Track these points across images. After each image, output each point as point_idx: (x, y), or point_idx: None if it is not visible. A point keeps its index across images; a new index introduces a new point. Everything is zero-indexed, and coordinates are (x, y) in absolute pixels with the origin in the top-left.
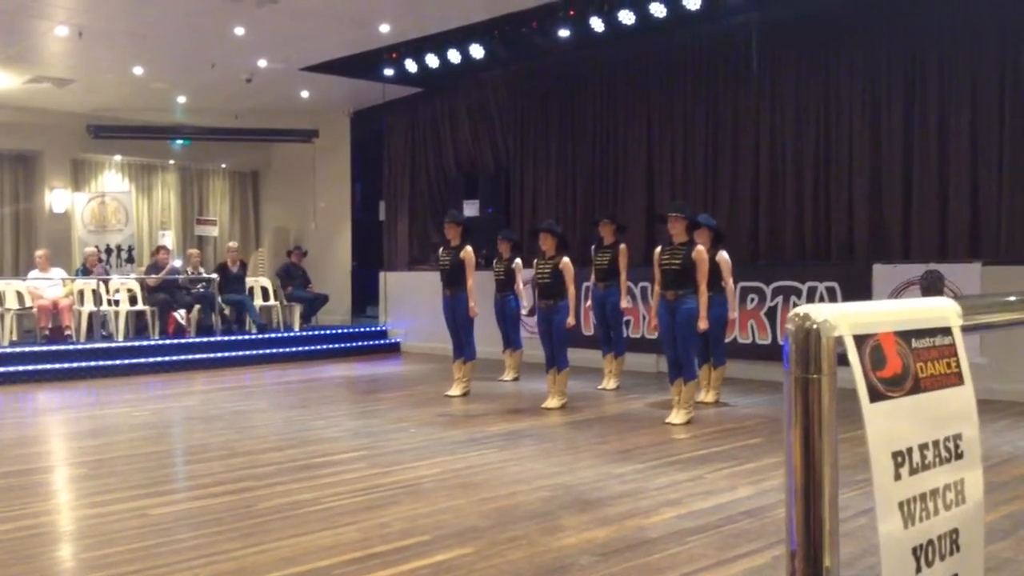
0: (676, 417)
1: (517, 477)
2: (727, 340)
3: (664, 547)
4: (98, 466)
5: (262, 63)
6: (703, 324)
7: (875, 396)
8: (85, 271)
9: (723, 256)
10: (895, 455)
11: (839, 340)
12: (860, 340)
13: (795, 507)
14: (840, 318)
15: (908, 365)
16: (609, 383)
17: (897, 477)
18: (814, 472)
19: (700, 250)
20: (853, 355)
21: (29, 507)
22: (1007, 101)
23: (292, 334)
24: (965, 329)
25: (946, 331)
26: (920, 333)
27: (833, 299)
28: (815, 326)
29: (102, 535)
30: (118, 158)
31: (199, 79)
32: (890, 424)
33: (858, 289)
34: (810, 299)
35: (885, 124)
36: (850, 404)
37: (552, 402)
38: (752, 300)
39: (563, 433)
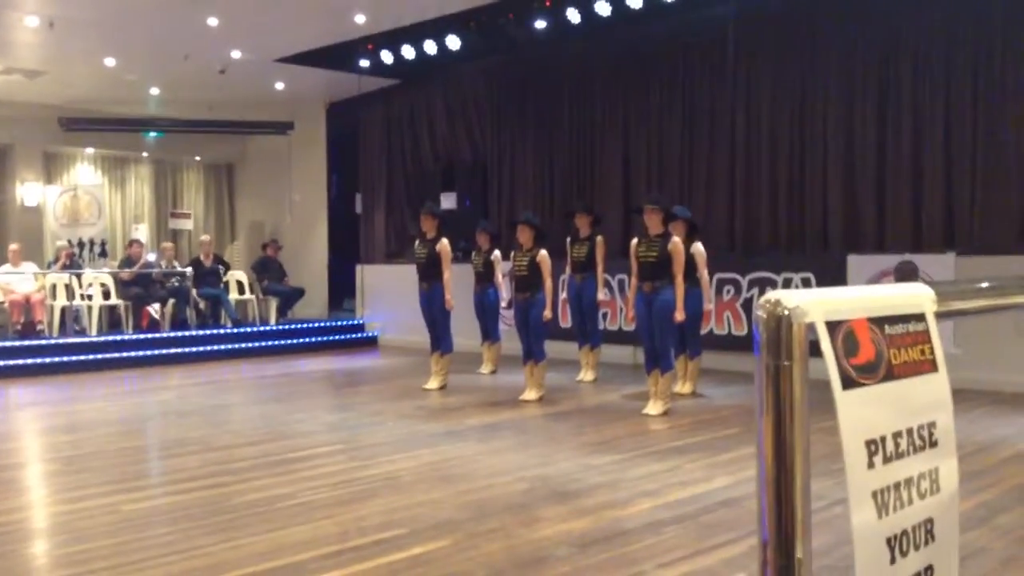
0: (653, 408)
1: (495, 469)
2: (703, 332)
3: (641, 538)
4: (71, 462)
5: (236, 54)
6: (679, 315)
7: (848, 383)
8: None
9: (698, 248)
10: (868, 443)
11: (811, 326)
12: (832, 326)
13: (766, 497)
14: (812, 304)
15: (881, 352)
16: (586, 375)
17: (871, 466)
18: (785, 461)
19: (676, 242)
20: (825, 342)
21: (1, 504)
22: (980, 92)
23: (268, 328)
24: (939, 315)
25: (920, 317)
26: (893, 319)
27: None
28: (786, 312)
29: (76, 531)
30: (91, 151)
31: (172, 70)
32: (863, 412)
33: (833, 280)
34: (786, 290)
35: (859, 115)
36: (823, 393)
37: (530, 394)
38: (728, 291)
39: (541, 425)
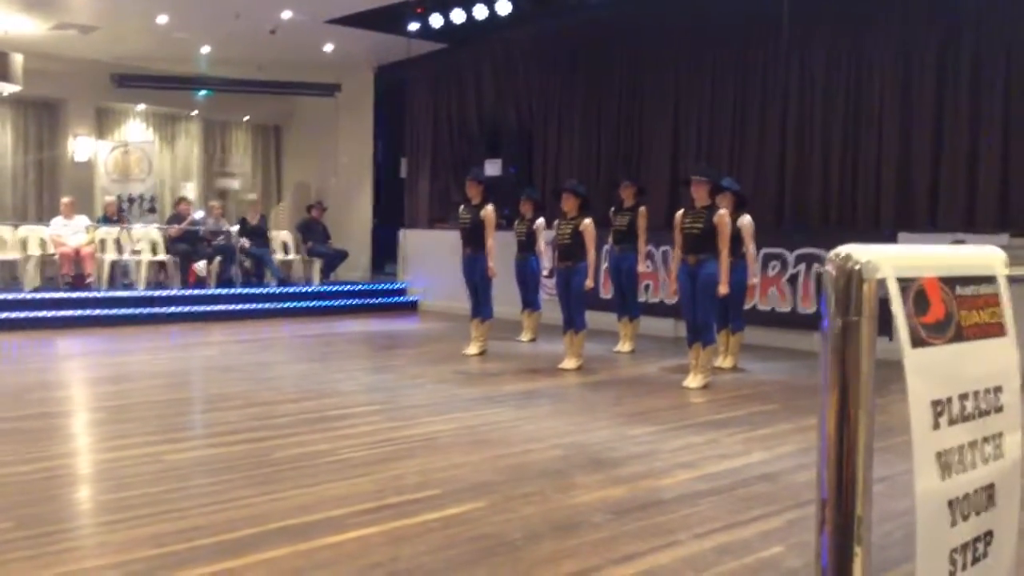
0: (693, 381)
1: (532, 435)
2: (746, 306)
3: (677, 508)
4: (117, 411)
5: (286, 14)
6: (723, 289)
7: (917, 342)
8: (106, 220)
9: (745, 221)
10: (934, 404)
11: (881, 283)
12: (904, 284)
13: (828, 454)
14: (884, 260)
15: (951, 312)
16: (624, 346)
17: (936, 426)
18: (850, 418)
19: (723, 214)
20: (896, 299)
21: (48, 450)
22: None
23: (311, 289)
24: (1012, 280)
25: (991, 279)
26: (965, 280)
27: None
28: (857, 267)
29: (120, 478)
30: (142, 108)
31: (223, 29)
32: (931, 371)
33: None
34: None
35: (916, 92)
36: (879, 373)
37: (568, 363)
38: (774, 267)
39: (579, 394)
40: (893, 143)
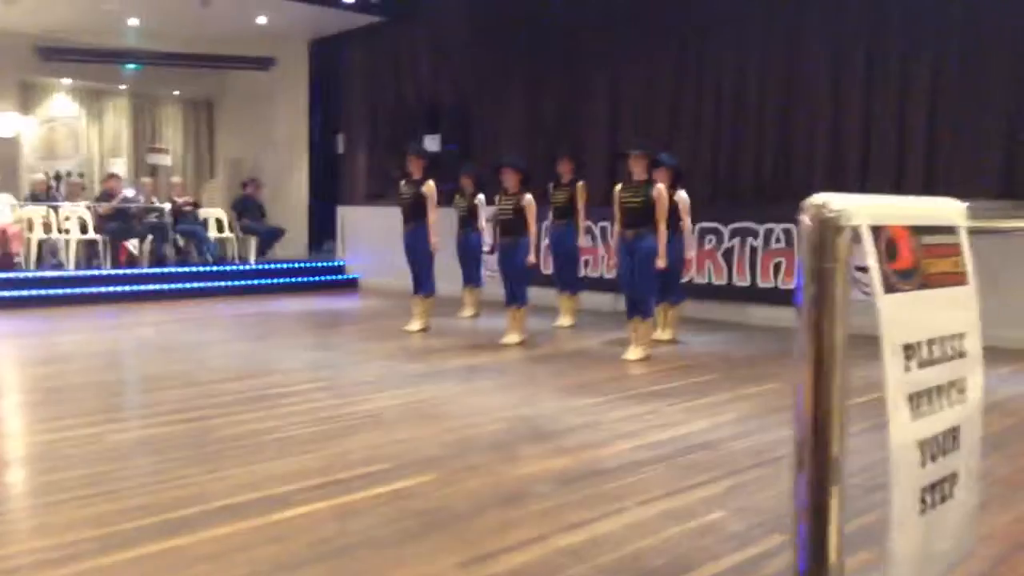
0: (632, 353)
1: (476, 409)
2: (683, 280)
3: (620, 477)
4: (52, 392)
5: None
6: (662, 263)
7: (889, 288)
8: (34, 198)
9: (682, 196)
10: (905, 348)
11: (855, 230)
12: (876, 231)
13: (804, 395)
14: (858, 208)
15: (918, 260)
16: (565, 320)
17: (907, 369)
18: (825, 360)
19: (660, 188)
20: (869, 245)
21: None
22: (967, 40)
23: (247, 267)
24: (972, 231)
25: (953, 230)
26: (930, 229)
27: (790, 242)
28: (832, 214)
29: (57, 459)
30: (68, 82)
31: (153, 1)
32: (902, 316)
33: None
34: (767, 241)
35: (847, 65)
36: (849, 352)
37: (511, 338)
38: (710, 240)
39: (521, 368)
40: (825, 117)
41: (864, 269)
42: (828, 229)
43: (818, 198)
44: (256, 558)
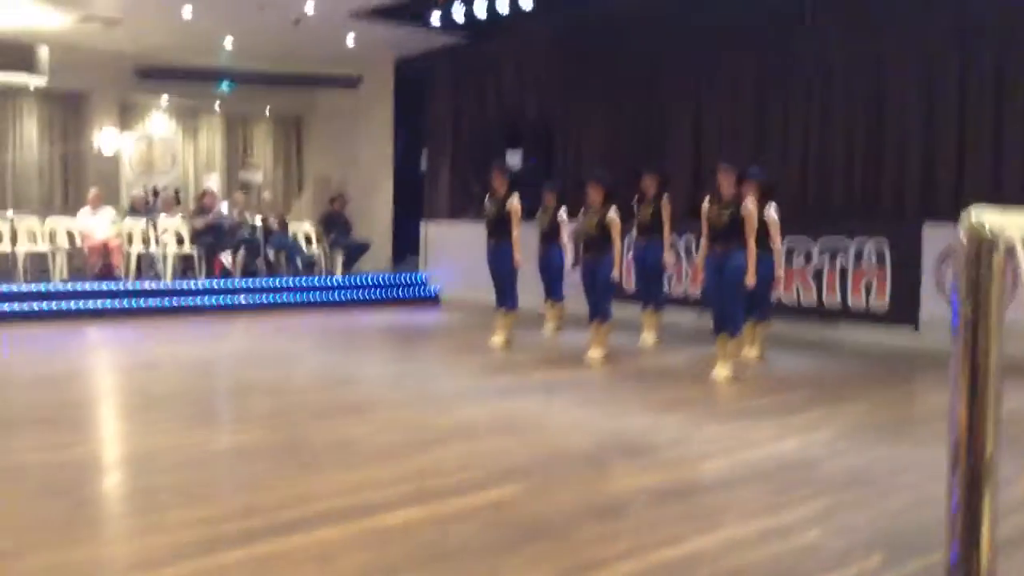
0: (720, 371)
1: (564, 422)
2: (771, 298)
3: (715, 493)
4: (153, 400)
5: (310, 6)
6: (751, 280)
7: None
8: (134, 211)
9: (771, 213)
10: None
11: (1010, 247)
12: None
13: (959, 399)
14: (1012, 224)
15: None
16: (649, 337)
17: None
18: (980, 365)
19: (749, 204)
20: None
21: (89, 437)
22: None
23: (334, 281)
24: None
25: None
26: None
27: (882, 260)
28: (989, 231)
29: (164, 463)
30: (165, 100)
31: (246, 21)
32: None
33: (908, 248)
34: (858, 260)
35: (939, 80)
36: (904, 363)
37: (594, 353)
38: (798, 258)
39: (606, 383)
40: (917, 132)
41: None
42: (983, 244)
43: (974, 215)
44: (359, 561)
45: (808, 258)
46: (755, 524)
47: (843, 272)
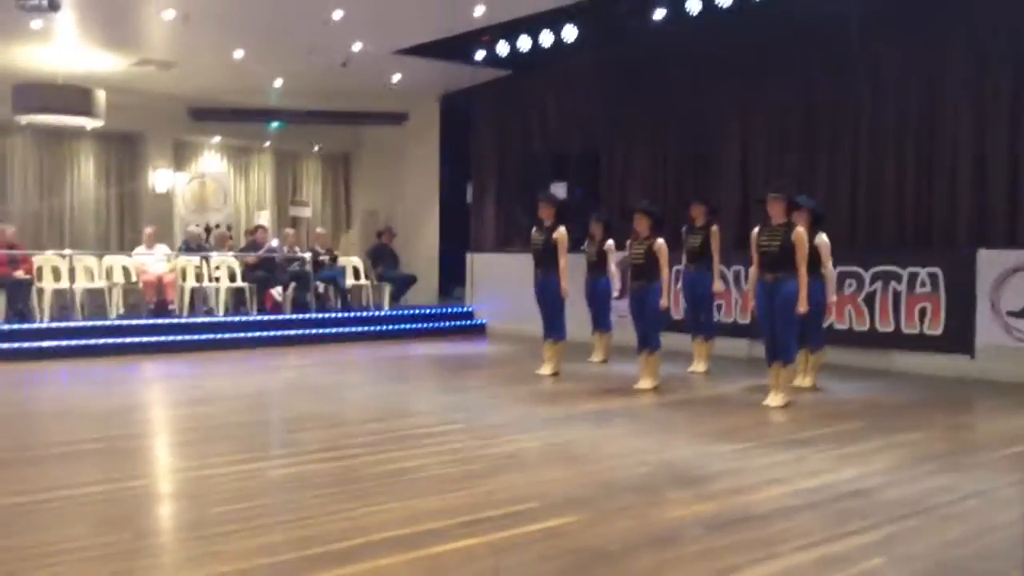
0: (774, 400)
1: (616, 452)
2: (824, 325)
3: (772, 522)
4: (209, 431)
5: (357, 46)
6: (803, 307)
7: None
8: (188, 247)
9: (823, 239)
10: None
11: None
12: None
13: None
14: None
15: None
16: (699, 366)
17: None
18: None
19: (800, 232)
20: None
21: (148, 468)
22: None
23: (382, 313)
24: None
25: None
26: None
27: (935, 286)
28: None
29: (223, 493)
30: (217, 140)
31: (296, 63)
32: None
33: (962, 275)
34: (911, 286)
35: (991, 105)
36: (951, 391)
37: (644, 383)
38: (850, 285)
39: (657, 413)
40: (968, 159)
41: (1016, 314)
42: None
43: None
44: None
45: (860, 284)
46: (814, 553)
47: (896, 298)
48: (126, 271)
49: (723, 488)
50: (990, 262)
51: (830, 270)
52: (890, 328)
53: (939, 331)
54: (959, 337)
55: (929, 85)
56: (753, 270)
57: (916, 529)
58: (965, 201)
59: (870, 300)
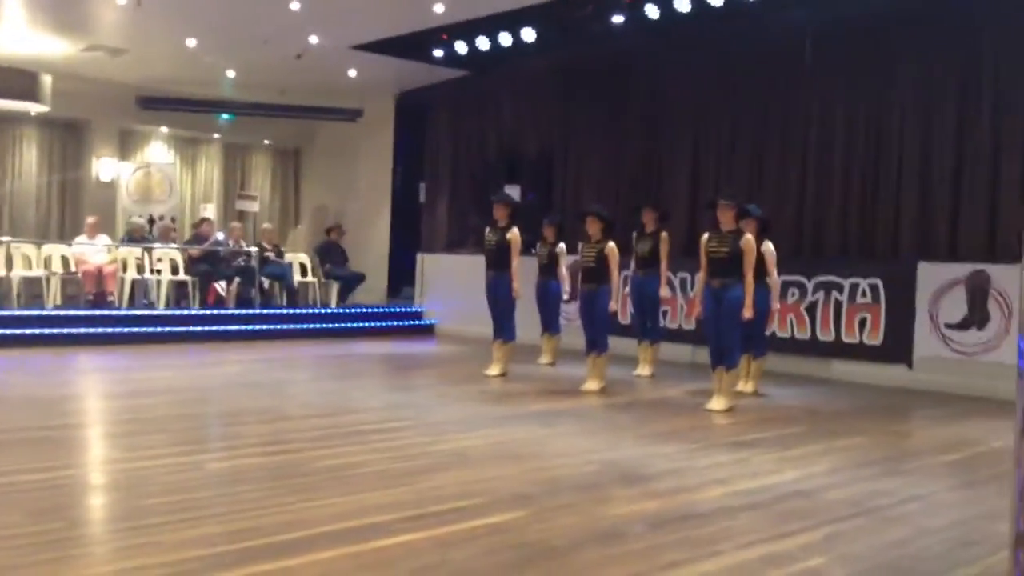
0: (716, 404)
1: (562, 451)
2: (766, 333)
3: (715, 521)
4: (148, 423)
5: (313, 39)
6: (748, 313)
7: None
8: (130, 240)
9: (768, 247)
10: None
11: None
12: None
13: None
14: None
15: None
16: (644, 370)
17: None
18: None
19: (748, 239)
20: None
21: (83, 458)
22: None
23: (329, 311)
24: None
25: None
26: None
27: (876, 297)
28: None
29: (158, 485)
30: (164, 130)
31: (249, 54)
32: None
33: (902, 286)
34: (852, 296)
35: (937, 121)
36: (891, 399)
37: (591, 385)
38: (793, 294)
39: (603, 414)
40: (913, 172)
41: (953, 326)
42: None
43: None
44: None
45: (803, 294)
46: (756, 551)
47: (837, 307)
48: (65, 260)
49: (667, 487)
50: (929, 275)
51: (775, 278)
52: (831, 337)
53: (878, 341)
54: (898, 347)
55: (876, 101)
56: (700, 275)
57: (857, 530)
58: (908, 215)
59: (812, 309)
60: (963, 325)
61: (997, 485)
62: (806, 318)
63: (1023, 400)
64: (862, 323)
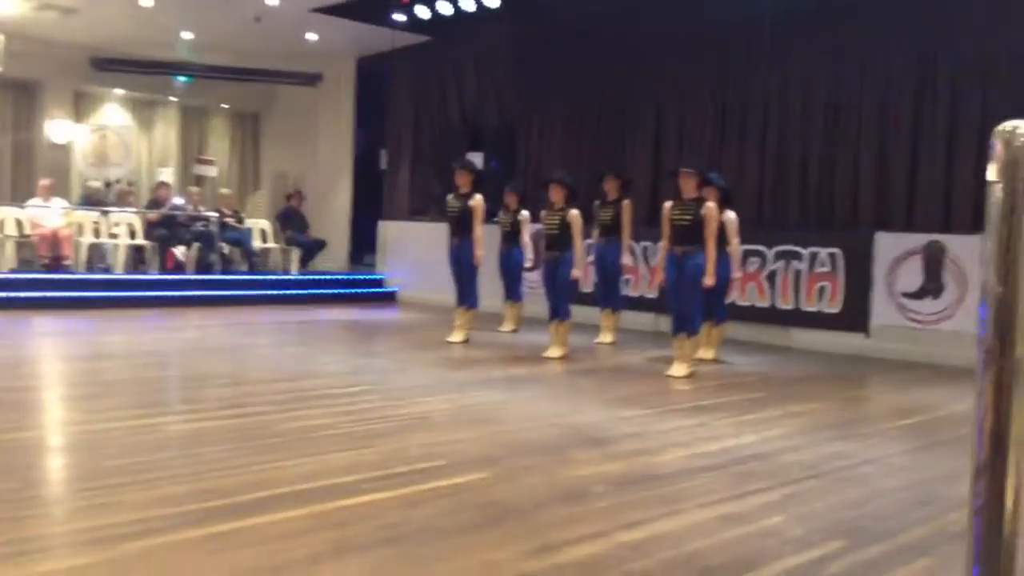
0: (677, 370)
1: (525, 415)
2: (726, 301)
3: (675, 481)
4: (108, 386)
5: (272, 2)
6: (710, 280)
7: None
8: (88, 203)
9: (730, 216)
10: None
11: None
12: None
13: (989, 317)
14: None
15: None
16: (606, 337)
17: None
18: (1010, 297)
19: (711, 207)
20: None
21: (43, 420)
22: (1018, 76)
23: (290, 277)
24: None
25: None
26: None
27: (835, 266)
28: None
29: (119, 447)
30: (120, 92)
31: (206, 15)
32: None
33: (860, 256)
34: (811, 265)
35: (894, 92)
36: (844, 367)
37: (553, 352)
38: (753, 263)
39: (566, 380)
40: (871, 144)
41: (910, 295)
42: (1019, 152)
43: (1010, 123)
44: (325, 539)
45: (764, 262)
46: (715, 510)
47: (797, 276)
48: (19, 223)
49: (628, 450)
50: (887, 245)
51: (735, 247)
52: (790, 305)
53: (837, 309)
54: (855, 316)
55: (837, 70)
56: (663, 243)
57: (813, 490)
58: (867, 186)
59: (772, 277)
60: (919, 294)
61: (952, 448)
62: (766, 286)
63: (983, 369)
64: (821, 292)
